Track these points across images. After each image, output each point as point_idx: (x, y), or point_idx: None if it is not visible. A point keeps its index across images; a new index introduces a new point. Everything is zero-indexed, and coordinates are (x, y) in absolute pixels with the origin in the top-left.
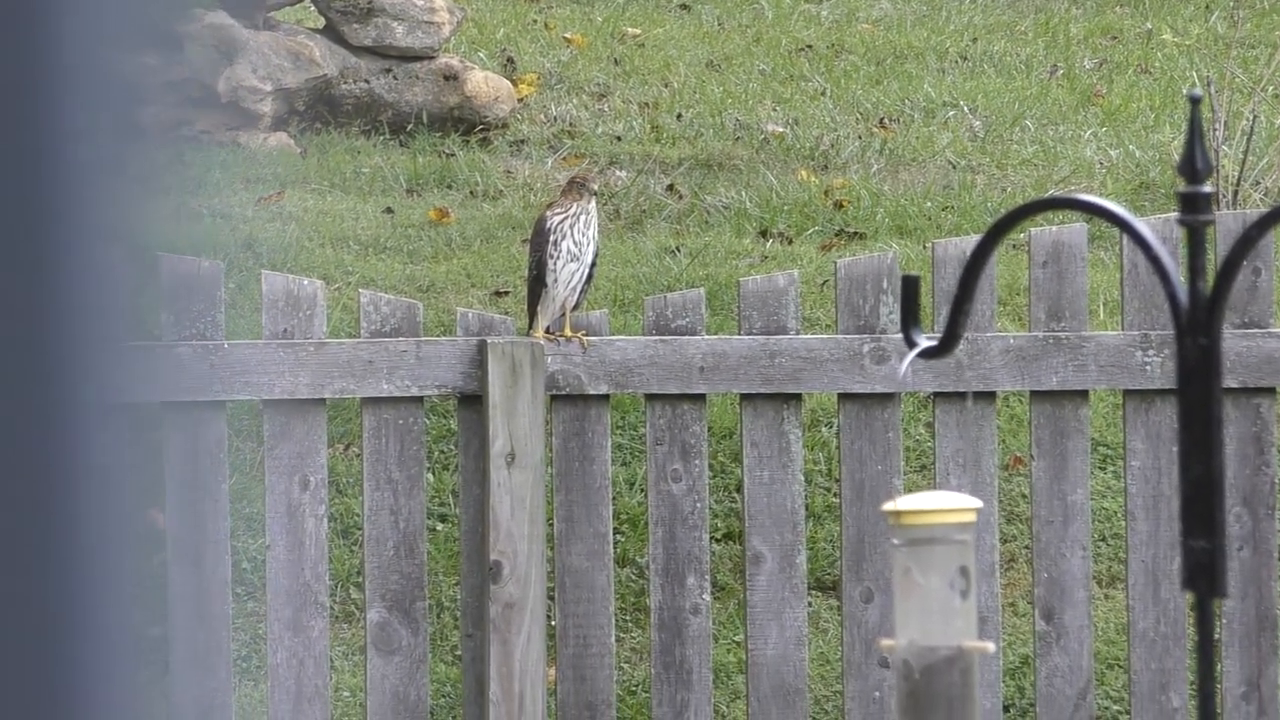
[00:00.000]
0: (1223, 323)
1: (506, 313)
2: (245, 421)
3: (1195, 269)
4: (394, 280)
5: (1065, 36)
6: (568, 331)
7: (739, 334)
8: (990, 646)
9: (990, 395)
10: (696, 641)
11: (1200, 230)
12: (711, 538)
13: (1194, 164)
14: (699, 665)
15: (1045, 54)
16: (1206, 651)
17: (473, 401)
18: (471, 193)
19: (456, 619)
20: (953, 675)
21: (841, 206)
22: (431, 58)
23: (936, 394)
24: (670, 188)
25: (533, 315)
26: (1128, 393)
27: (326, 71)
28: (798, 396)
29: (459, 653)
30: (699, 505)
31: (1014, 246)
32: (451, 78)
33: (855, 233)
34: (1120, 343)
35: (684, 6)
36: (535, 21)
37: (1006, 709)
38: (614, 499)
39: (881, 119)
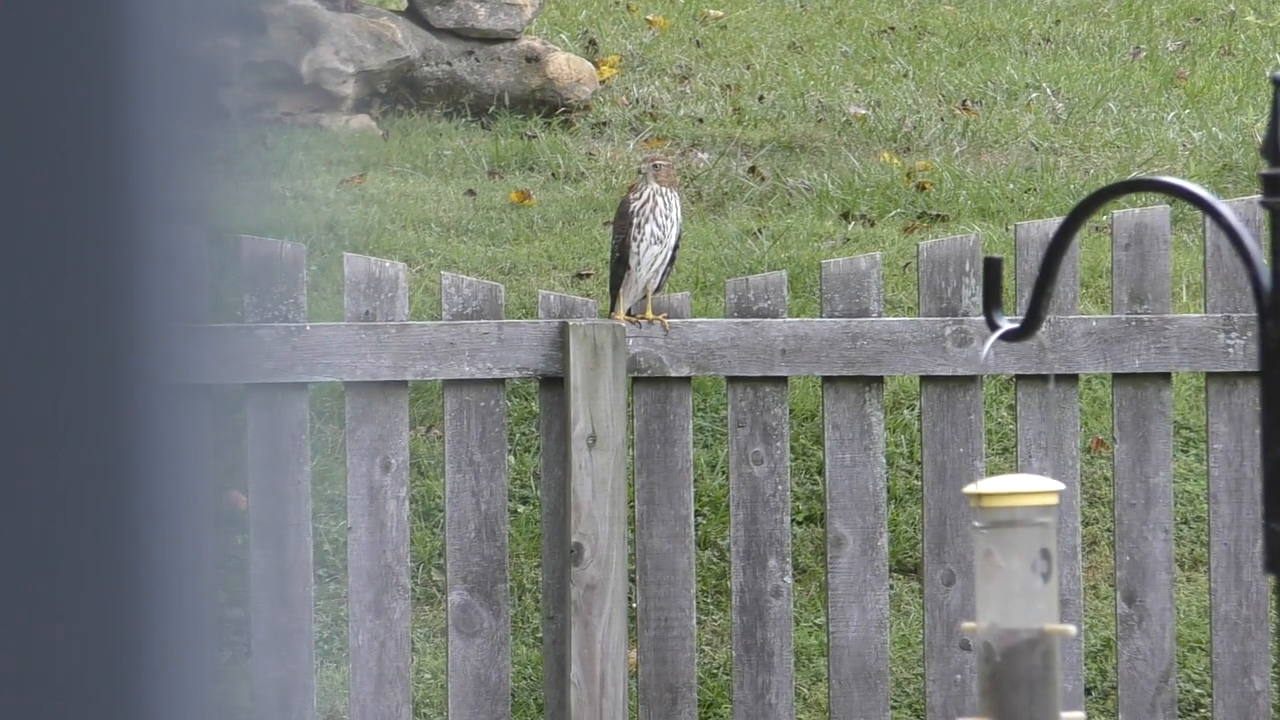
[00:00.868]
0: None
1: (588, 295)
2: (327, 403)
3: (1278, 251)
4: (475, 262)
5: (1148, 18)
6: (649, 314)
7: (821, 316)
8: (1071, 630)
9: (1072, 378)
10: (778, 624)
11: None
12: (793, 520)
13: (1277, 146)
14: (780, 648)
15: (1128, 36)
16: None
17: (554, 384)
18: (553, 175)
19: (538, 601)
20: (1034, 658)
21: (924, 189)
22: (513, 39)
23: (1019, 376)
24: (752, 170)
25: (614, 297)
26: (1210, 375)
27: (409, 53)
28: (879, 379)
29: (540, 635)
30: (780, 488)
31: (1096, 229)
32: (533, 60)
33: (938, 215)
34: (1202, 325)
35: None
36: (617, 3)
37: (1088, 691)
38: (695, 481)
39: (964, 101)
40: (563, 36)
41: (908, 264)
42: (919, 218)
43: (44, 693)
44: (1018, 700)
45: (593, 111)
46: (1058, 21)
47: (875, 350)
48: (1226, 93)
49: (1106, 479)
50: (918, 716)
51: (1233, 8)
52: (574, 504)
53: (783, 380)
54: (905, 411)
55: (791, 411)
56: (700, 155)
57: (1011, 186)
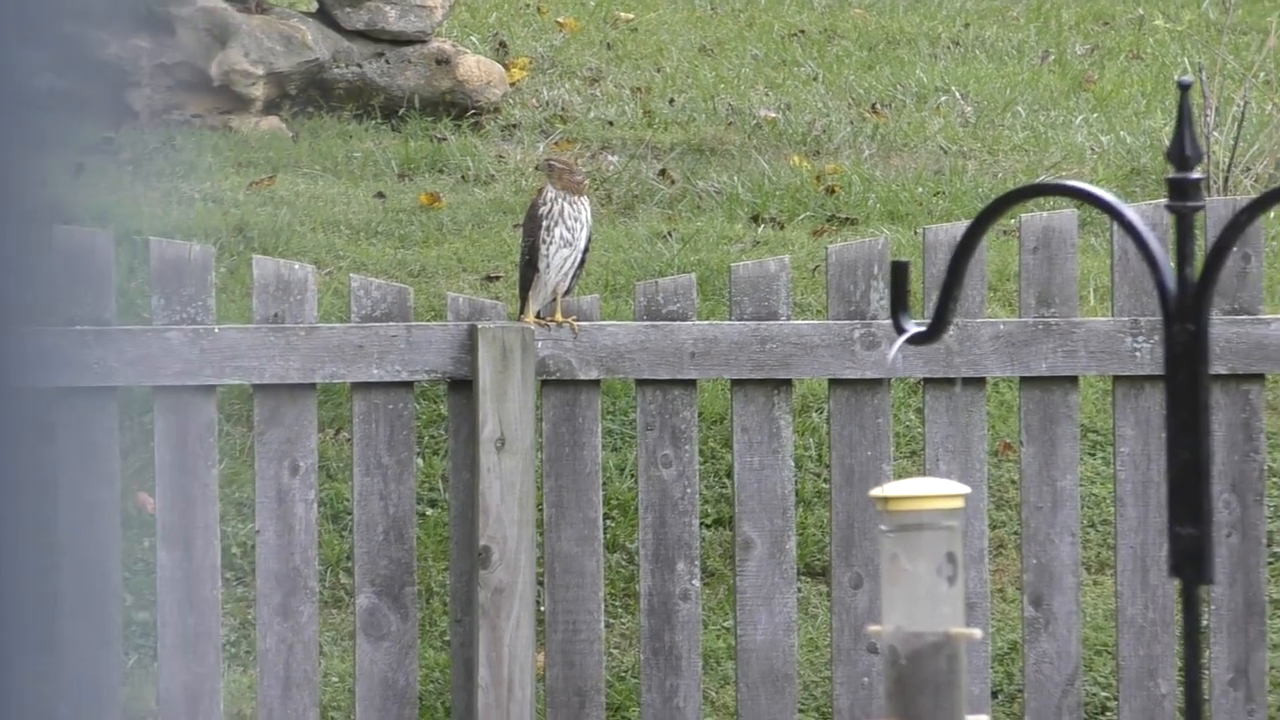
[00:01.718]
0: (1211, 309)
1: (497, 298)
2: (235, 406)
3: (1184, 255)
4: (385, 265)
5: (1057, 22)
6: (558, 317)
7: (730, 320)
8: (977, 633)
9: (980, 381)
10: (686, 627)
11: (1189, 216)
12: (701, 523)
13: (1183, 150)
14: (688, 651)
15: (1037, 39)
16: (1193, 638)
17: (463, 387)
18: (463, 177)
19: (446, 604)
20: (939, 661)
21: (833, 192)
22: (424, 42)
23: (926, 380)
24: (662, 173)
25: (524, 300)
26: (1117, 379)
27: (319, 55)
28: (788, 382)
29: (448, 638)
30: (689, 491)
31: (1005, 232)
32: (443, 62)
33: (847, 218)
34: (1110, 329)
35: None
36: (528, 6)
37: (995, 694)
38: (604, 484)
39: (874, 104)
40: (473, 39)
41: (816, 267)
42: (828, 221)
43: None
44: (923, 703)
45: (503, 114)
46: (967, 25)
47: (784, 353)
48: (1135, 97)
49: (1014, 482)
50: (825, 719)
51: (1141, 12)
52: (482, 507)
53: (691, 383)
54: (814, 415)
55: (700, 414)
56: (610, 158)
57: (920, 190)
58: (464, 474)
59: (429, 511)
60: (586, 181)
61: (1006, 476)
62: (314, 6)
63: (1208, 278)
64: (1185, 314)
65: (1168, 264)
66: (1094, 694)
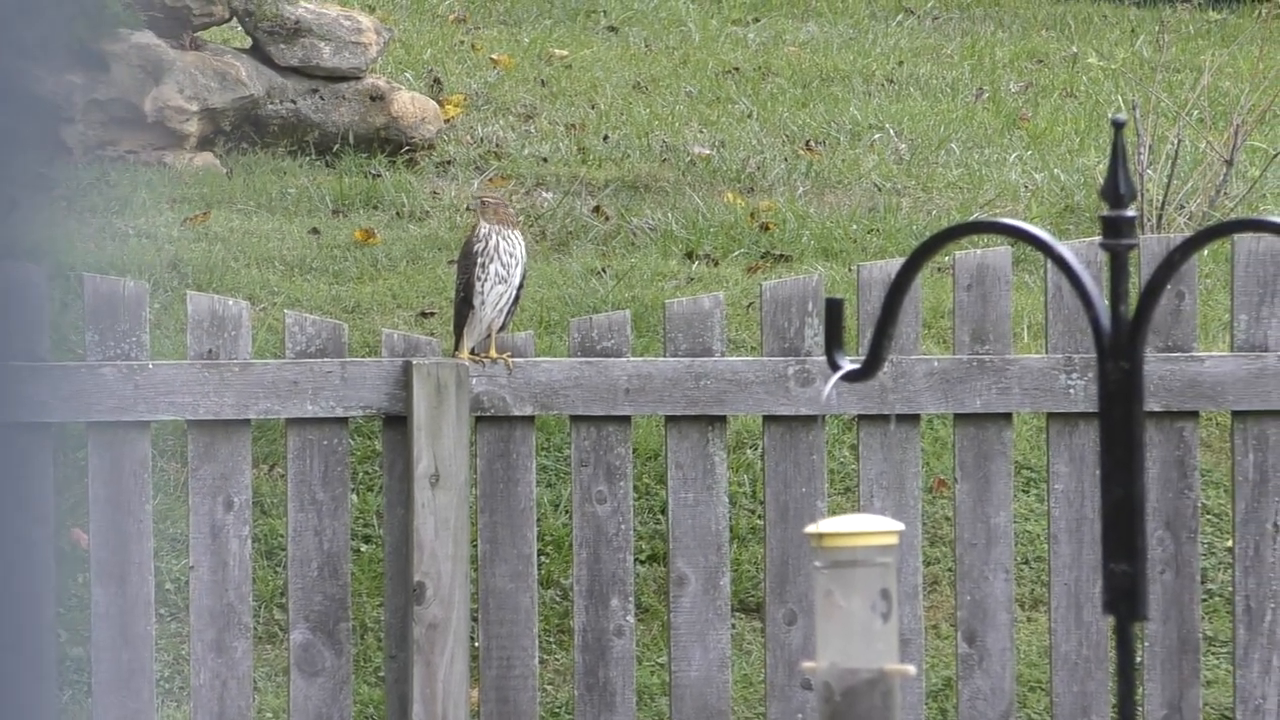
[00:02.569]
0: (1145, 346)
1: (432, 334)
2: (170, 442)
3: (1118, 293)
4: (319, 301)
5: (991, 60)
6: (493, 353)
7: (664, 356)
8: (911, 670)
9: (914, 418)
10: (620, 663)
11: (1123, 254)
12: (636, 559)
13: (1118, 188)
14: (622, 687)
15: (971, 77)
16: (1127, 674)
17: (397, 422)
18: (397, 213)
19: (380, 640)
20: (874, 698)
21: (767, 229)
22: (358, 78)
23: (861, 416)
24: (596, 209)
25: (459, 337)
26: (1051, 416)
27: (253, 92)
28: (723, 418)
29: (382, 674)
30: (623, 527)
31: (939, 269)
32: (378, 98)
33: (781, 255)
34: (1044, 366)
35: (611, 29)
36: (462, 43)
37: None
38: (539, 520)
39: (808, 141)
40: (407, 75)
41: (751, 304)
42: (762, 258)
43: None
44: None
45: (437, 150)
46: (901, 63)
47: (718, 390)
48: (1068, 134)
49: (948, 518)
50: None
51: (1075, 50)
52: (417, 543)
53: (626, 419)
54: (748, 451)
55: (635, 450)
56: (545, 194)
57: (854, 227)
58: (398, 510)
59: (363, 547)
60: (519, 217)
61: (940, 513)
62: (248, 43)
63: (1142, 315)
64: (1120, 351)
65: (1102, 302)
66: None
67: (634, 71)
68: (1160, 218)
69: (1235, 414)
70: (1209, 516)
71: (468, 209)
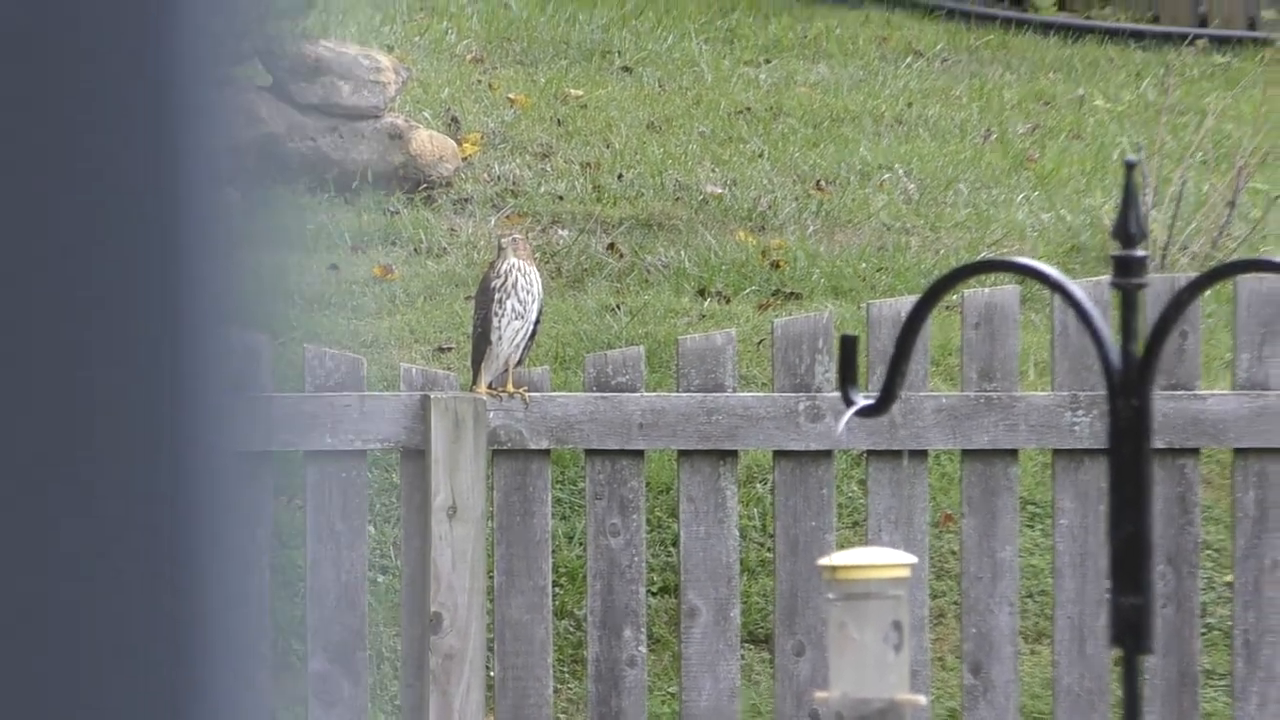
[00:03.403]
0: (1154, 385)
1: (449, 368)
2: None
3: (1128, 332)
4: (338, 336)
5: (999, 102)
6: (510, 387)
7: (677, 391)
8: (922, 700)
9: (922, 453)
10: (632, 693)
11: (1134, 293)
12: (648, 591)
13: (1128, 228)
14: (634, 716)
15: (979, 118)
16: (1133, 707)
17: (415, 455)
18: (415, 250)
19: (397, 670)
20: None
21: (778, 267)
22: (377, 117)
23: (870, 452)
24: (611, 246)
25: (476, 371)
26: (1056, 452)
27: (273, 129)
28: (734, 453)
29: (399, 703)
30: (636, 559)
31: (947, 308)
32: (397, 137)
33: (792, 293)
34: (1050, 403)
35: (625, 69)
36: (479, 82)
37: None
38: (553, 552)
39: (818, 181)
40: (425, 114)
41: (762, 340)
42: (773, 295)
43: None
44: None
45: (455, 188)
46: (910, 104)
47: (730, 425)
48: (1075, 175)
49: (954, 553)
50: None
51: (1082, 92)
52: (434, 574)
53: (639, 453)
54: (759, 485)
55: (648, 484)
56: (560, 232)
57: (864, 265)
58: (416, 541)
59: (380, 578)
60: (535, 254)
61: (947, 547)
62: (269, 81)
63: (1151, 354)
64: (1130, 389)
65: (1111, 340)
66: None
67: (648, 111)
68: (1164, 258)
69: (1236, 451)
70: (1209, 551)
71: (499, 246)
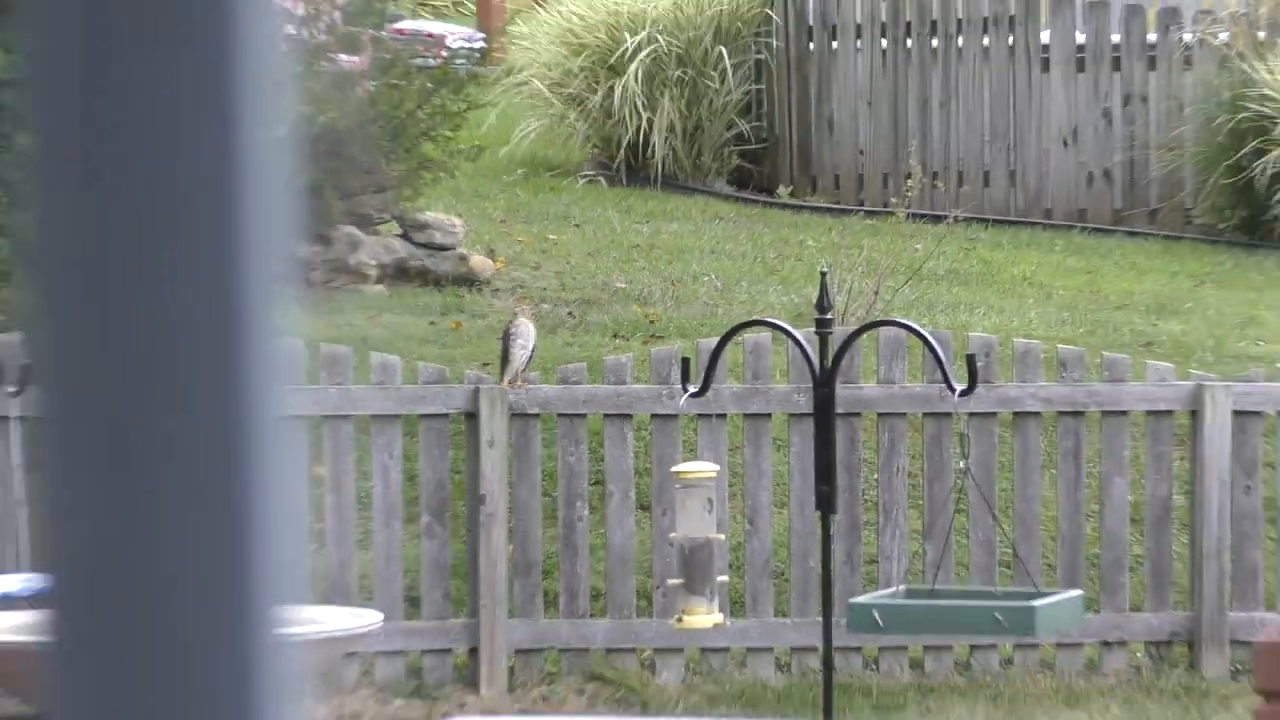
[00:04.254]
0: (836, 381)
1: (488, 372)
2: (360, 436)
3: (823, 354)
4: (433, 358)
5: (761, 242)
6: (519, 382)
7: (602, 385)
8: (722, 537)
9: (723, 415)
10: (580, 534)
11: (826, 336)
12: (589, 483)
13: (824, 303)
14: (581, 546)
15: (751, 250)
16: (827, 545)
17: (472, 417)
18: (472, 315)
19: (463, 524)
20: (704, 552)
21: (653, 323)
22: (453, 248)
23: (699, 415)
24: (570, 313)
25: (501, 375)
26: (790, 415)
27: (402, 255)
28: (631, 416)
29: (464, 540)
30: (581, 467)
31: (736, 343)
32: (463, 258)
33: (658, 335)
34: (786, 390)
35: (577, 225)
36: (504, 231)
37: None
38: (540, 464)
39: (673, 280)
40: (477, 247)
41: (644, 359)
42: (651, 337)
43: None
44: (695, 572)
45: (491, 284)
46: (718, 244)
47: (629, 400)
48: (797, 279)
49: (739, 465)
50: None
51: (802, 238)
52: (481, 474)
53: (584, 416)
54: (644, 432)
55: (589, 431)
56: (544, 305)
57: (695, 322)
58: (473, 458)
59: (455, 476)
60: (532, 314)
61: (737, 461)
62: (398, 231)
63: (835, 365)
64: (825, 382)
65: (815, 359)
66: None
67: (588, 245)
68: (843, 318)
69: (880, 415)
70: (868, 463)
71: (514, 312)
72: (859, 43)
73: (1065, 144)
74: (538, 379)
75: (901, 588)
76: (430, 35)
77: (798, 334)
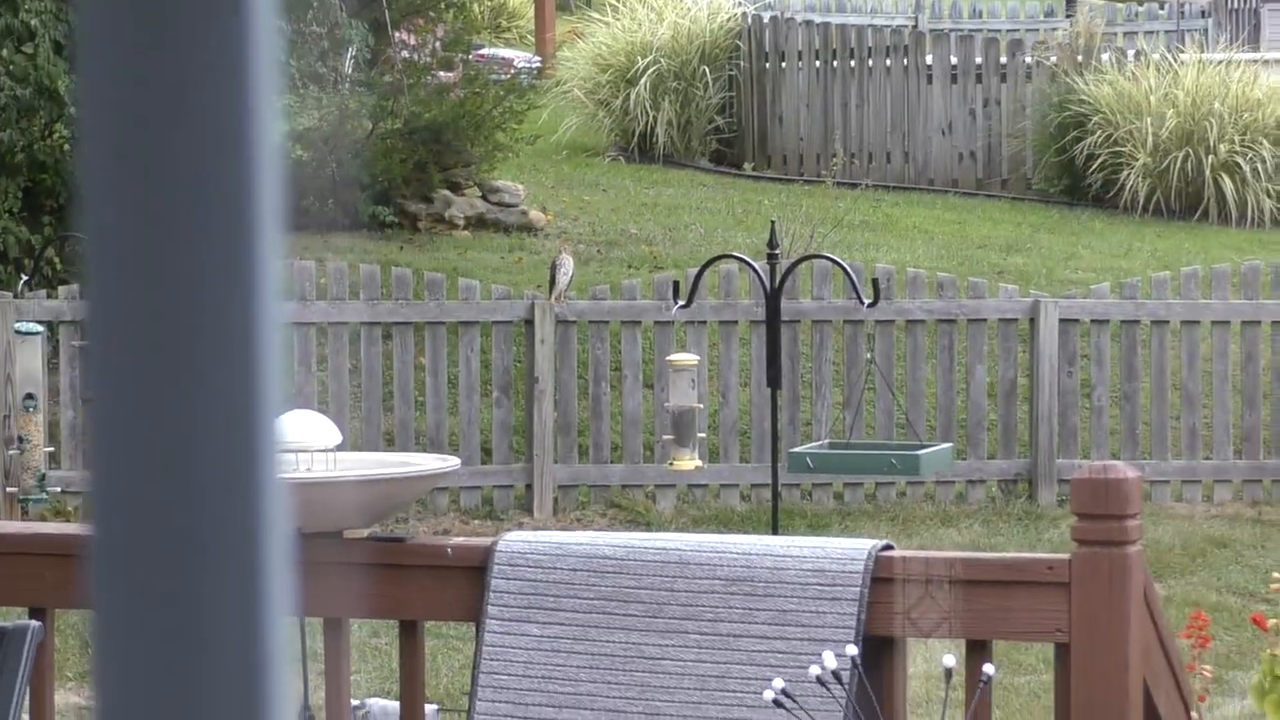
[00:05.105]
0: (781, 296)
1: (540, 291)
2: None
3: (773, 278)
4: (502, 282)
5: (732, 203)
6: (562, 299)
7: (619, 300)
8: (702, 405)
9: (703, 322)
10: (606, 404)
11: (777, 264)
12: (610, 369)
13: (773, 242)
14: (604, 416)
15: (726, 210)
16: (775, 419)
17: (529, 323)
18: (530, 252)
19: (522, 394)
20: (690, 416)
21: (655, 257)
22: (517, 205)
23: (686, 321)
24: (598, 251)
25: (550, 293)
26: (751, 322)
27: (481, 210)
28: (639, 322)
29: (524, 406)
30: (604, 355)
31: (713, 271)
32: (524, 212)
33: (659, 266)
34: (748, 304)
35: (603, 190)
36: (554, 188)
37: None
38: (576, 356)
39: (670, 228)
40: (534, 206)
41: (648, 284)
42: (655, 267)
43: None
44: (683, 430)
45: (543, 231)
46: (701, 203)
47: (640, 311)
48: (758, 228)
49: (716, 357)
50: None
51: (761, 200)
52: (536, 362)
53: (607, 322)
54: (649, 332)
55: (610, 333)
56: (579, 245)
57: (686, 257)
58: (529, 352)
59: (517, 365)
60: (571, 250)
61: (715, 355)
62: (479, 193)
63: (781, 286)
64: (774, 298)
65: (767, 281)
66: None
67: (610, 204)
68: (787, 253)
69: (813, 322)
70: (804, 357)
71: (560, 249)
72: (800, 63)
73: (943, 133)
74: (575, 297)
75: (827, 441)
76: (502, 58)
77: (755, 265)
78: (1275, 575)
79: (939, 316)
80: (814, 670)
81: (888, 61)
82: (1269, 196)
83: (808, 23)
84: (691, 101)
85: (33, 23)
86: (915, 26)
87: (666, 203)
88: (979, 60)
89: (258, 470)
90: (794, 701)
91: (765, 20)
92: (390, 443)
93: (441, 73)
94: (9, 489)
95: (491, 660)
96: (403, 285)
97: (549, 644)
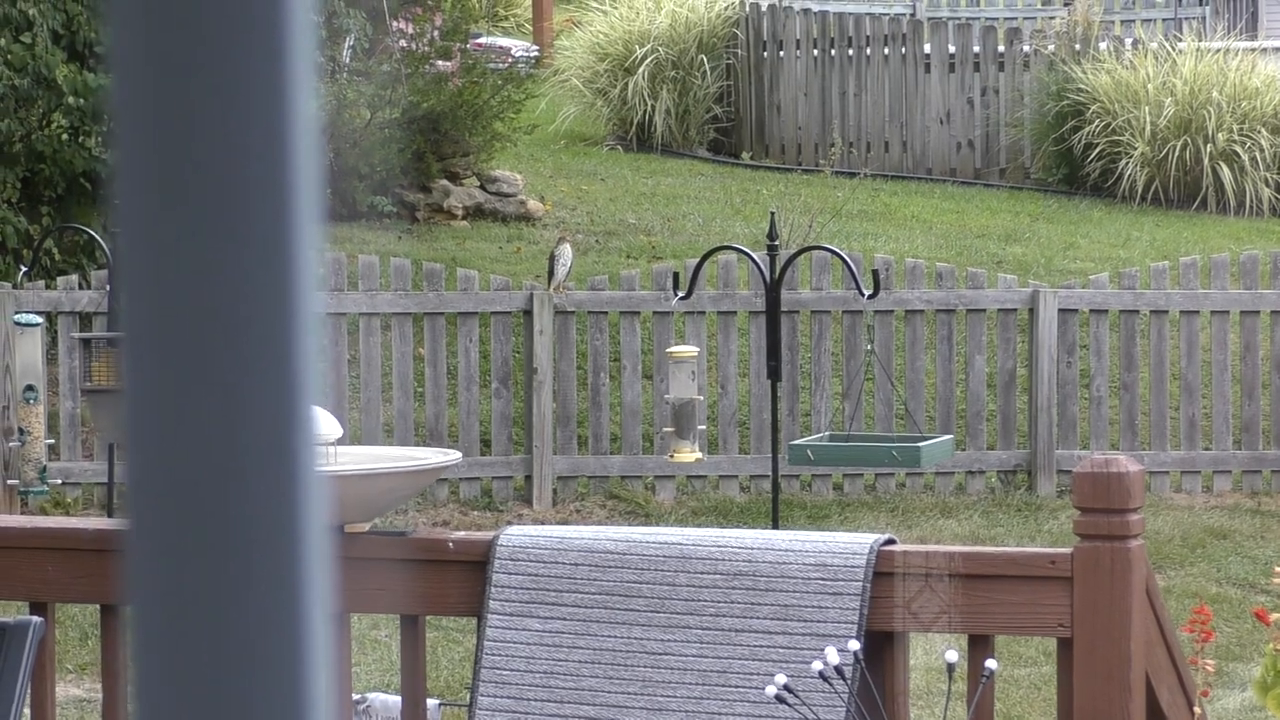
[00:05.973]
0: (781, 286)
1: (539, 281)
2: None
3: (773, 267)
4: (501, 272)
5: (729, 192)
6: (561, 289)
7: (619, 290)
8: (702, 397)
9: (701, 312)
10: (604, 396)
11: (776, 254)
12: (609, 359)
13: (772, 233)
14: (606, 406)
15: (724, 199)
16: (775, 407)
17: (528, 313)
18: (528, 242)
19: (522, 385)
20: (690, 408)
21: (654, 248)
22: (515, 195)
23: (686, 312)
24: (596, 241)
25: (549, 283)
26: (750, 312)
27: (480, 200)
28: (638, 312)
29: (523, 399)
30: (603, 346)
31: (712, 262)
32: (523, 202)
33: (658, 256)
34: (747, 295)
35: (602, 179)
36: (551, 179)
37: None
38: (575, 347)
39: (668, 218)
40: (532, 195)
41: (646, 274)
42: (654, 258)
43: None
44: (683, 422)
45: (542, 220)
46: (697, 193)
47: (638, 301)
48: (756, 217)
49: (714, 346)
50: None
51: (759, 188)
52: (535, 353)
53: (605, 313)
54: (649, 322)
55: (609, 322)
56: (578, 235)
57: (686, 247)
58: (528, 343)
59: (516, 355)
60: (570, 240)
61: (714, 345)
62: (477, 183)
63: (780, 276)
64: (774, 288)
65: (766, 271)
66: None
67: (609, 194)
68: (786, 244)
69: (812, 313)
70: (803, 344)
71: (559, 238)
72: (798, 52)
73: (941, 122)
74: (574, 287)
75: (827, 433)
76: (500, 47)
77: (755, 255)
78: (1278, 569)
79: (938, 307)
80: (816, 665)
81: (886, 50)
82: (1267, 185)
83: (805, 11)
84: (689, 90)
85: (31, 12)
86: (913, 15)
87: (665, 192)
88: (977, 49)
89: (296, 461)
90: (796, 697)
91: (763, 8)
92: (389, 433)
93: (439, 62)
94: (9, 481)
95: (493, 655)
96: (401, 276)
97: (551, 638)
